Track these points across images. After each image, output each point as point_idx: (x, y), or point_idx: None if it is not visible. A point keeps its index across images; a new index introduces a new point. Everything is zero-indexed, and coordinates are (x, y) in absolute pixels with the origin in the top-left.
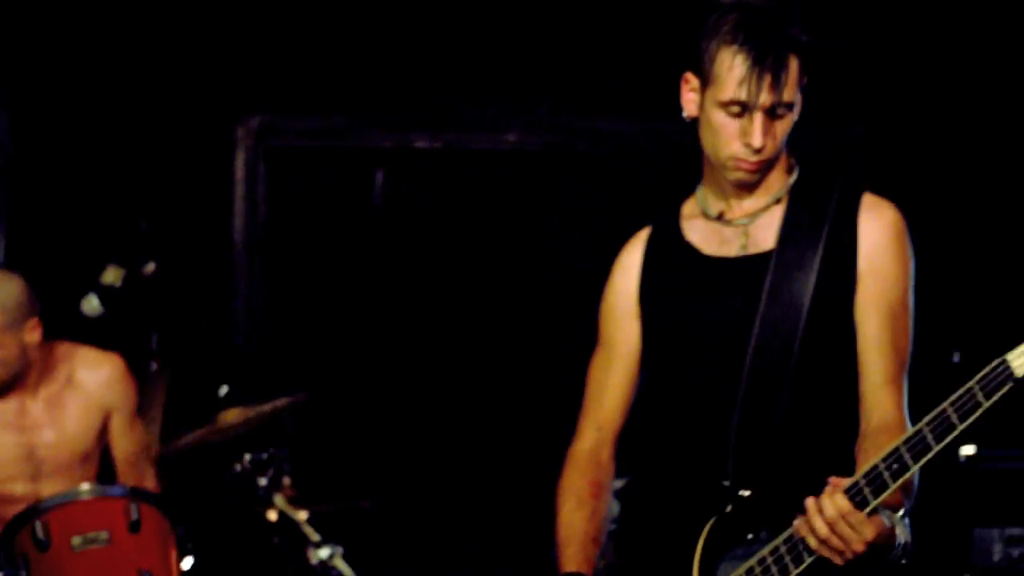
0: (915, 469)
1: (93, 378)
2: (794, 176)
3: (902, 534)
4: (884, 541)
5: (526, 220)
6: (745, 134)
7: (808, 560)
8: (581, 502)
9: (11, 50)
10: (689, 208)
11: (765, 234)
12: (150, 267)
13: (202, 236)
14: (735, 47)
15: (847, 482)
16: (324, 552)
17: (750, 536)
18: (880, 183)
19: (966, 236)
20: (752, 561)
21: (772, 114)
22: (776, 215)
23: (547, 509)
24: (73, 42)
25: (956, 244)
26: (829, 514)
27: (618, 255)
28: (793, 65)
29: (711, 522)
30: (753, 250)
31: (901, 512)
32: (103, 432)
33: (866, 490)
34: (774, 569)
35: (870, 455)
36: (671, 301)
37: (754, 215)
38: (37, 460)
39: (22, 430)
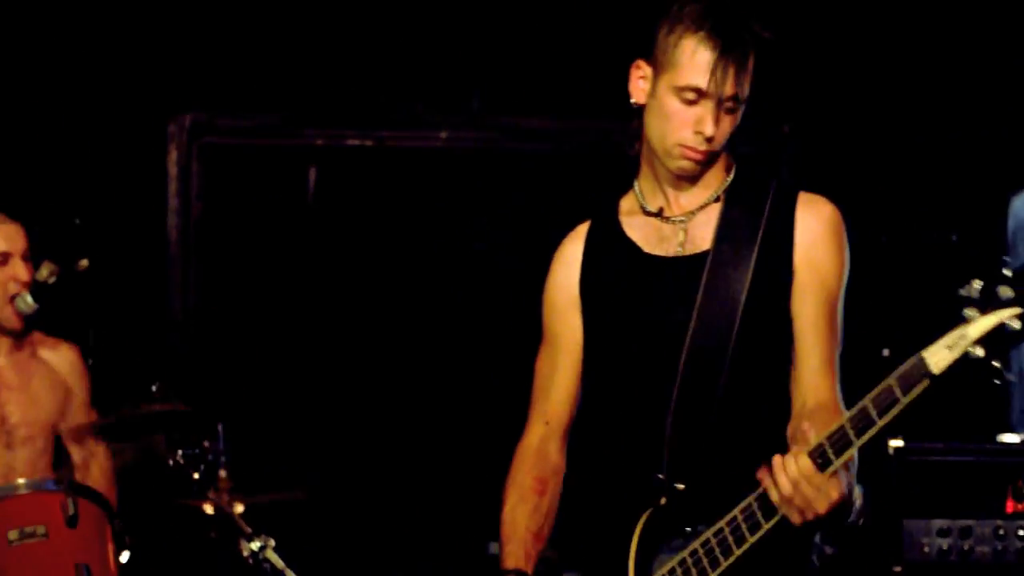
0: (838, 464)
1: (55, 358)
2: (732, 175)
3: (858, 497)
4: (843, 501)
5: (457, 216)
6: (699, 122)
7: (737, 552)
8: (523, 498)
9: None
10: (627, 204)
11: (703, 232)
12: (84, 263)
13: (136, 233)
14: (702, 34)
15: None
16: (256, 544)
17: (688, 529)
18: (808, 180)
19: (892, 233)
20: (684, 553)
21: (724, 107)
22: (713, 213)
23: (487, 503)
24: (5, 40)
25: (882, 241)
26: (792, 472)
27: (558, 249)
28: (751, 61)
29: (646, 515)
30: (691, 249)
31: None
32: (63, 412)
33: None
34: (705, 561)
35: (807, 433)
36: (611, 298)
37: (693, 213)
38: (8, 427)
39: None
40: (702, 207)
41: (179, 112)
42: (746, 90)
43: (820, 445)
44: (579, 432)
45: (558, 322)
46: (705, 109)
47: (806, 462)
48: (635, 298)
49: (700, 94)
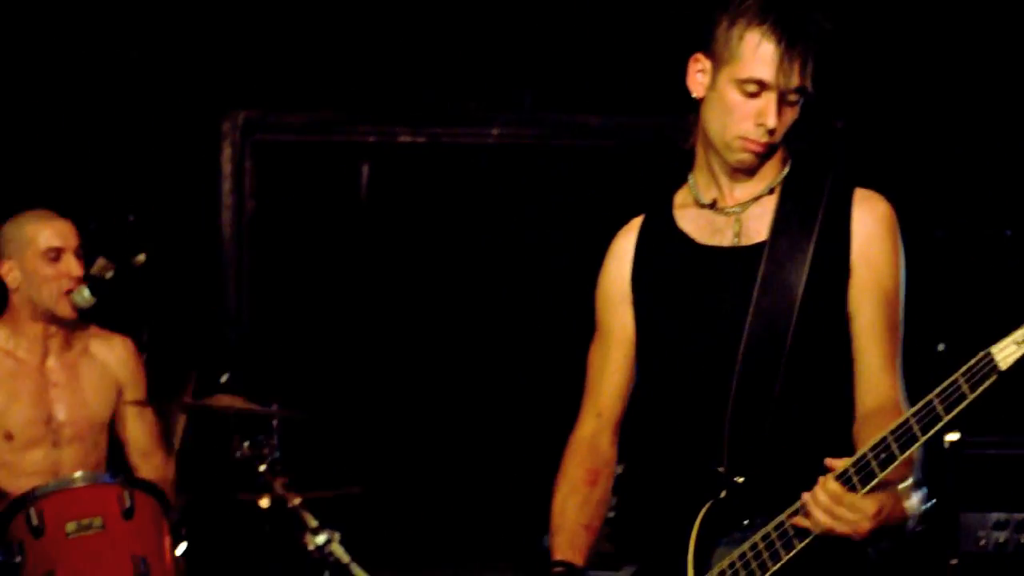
0: (902, 459)
1: (106, 353)
2: (787, 168)
3: (914, 504)
4: (893, 513)
5: (508, 212)
6: (760, 114)
7: (798, 546)
8: (574, 489)
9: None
10: (681, 197)
11: (758, 224)
12: (140, 258)
13: (190, 230)
14: (766, 27)
15: (838, 468)
16: (321, 537)
17: (746, 522)
18: (862, 175)
19: (946, 228)
20: (744, 546)
21: (785, 100)
22: (769, 205)
23: (541, 496)
24: (60, 38)
25: (936, 236)
26: (824, 502)
27: (611, 242)
28: (814, 53)
29: (706, 508)
30: (746, 240)
31: (910, 481)
32: (115, 409)
33: (855, 478)
34: (765, 555)
35: (869, 437)
36: (664, 289)
37: (747, 204)
38: (55, 425)
39: (41, 391)
40: (756, 199)
41: (232, 109)
42: (809, 82)
43: (862, 457)
44: (636, 425)
45: (610, 315)
46: (767, 101)
47: (834, 487)
48: (689, 288)
49: (763, 86)
